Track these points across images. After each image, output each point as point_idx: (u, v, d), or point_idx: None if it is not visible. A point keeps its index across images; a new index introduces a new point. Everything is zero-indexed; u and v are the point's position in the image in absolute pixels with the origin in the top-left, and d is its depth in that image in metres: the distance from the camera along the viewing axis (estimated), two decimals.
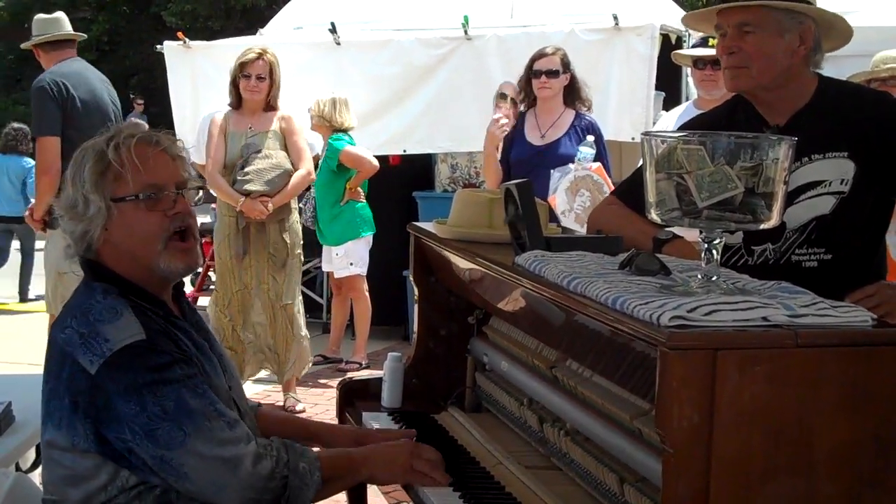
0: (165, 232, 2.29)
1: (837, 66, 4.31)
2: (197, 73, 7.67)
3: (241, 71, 5.78)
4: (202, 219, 5.75)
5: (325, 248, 7.18)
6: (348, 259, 7.01)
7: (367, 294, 7.13)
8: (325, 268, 7.31)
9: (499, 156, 5.50)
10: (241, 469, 2.15)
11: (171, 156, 2.36)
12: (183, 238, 2.32)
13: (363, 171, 6.98)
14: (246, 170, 5.78)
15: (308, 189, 6.87)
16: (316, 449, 2.42)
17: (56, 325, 2.29)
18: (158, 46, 8.12)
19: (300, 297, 6.12)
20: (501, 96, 5.85)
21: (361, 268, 7.07)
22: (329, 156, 6.89)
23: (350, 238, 6.99)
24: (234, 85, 5.85)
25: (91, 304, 2.23)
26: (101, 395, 2.13)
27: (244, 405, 2.47)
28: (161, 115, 13.14)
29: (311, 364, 6.29)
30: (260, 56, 5.78)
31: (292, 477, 2.21)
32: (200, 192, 2.47)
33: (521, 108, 5.60)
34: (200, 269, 6.31)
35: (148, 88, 19.77)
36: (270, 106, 5.88)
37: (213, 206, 6.84)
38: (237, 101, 5.89)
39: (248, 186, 5.76)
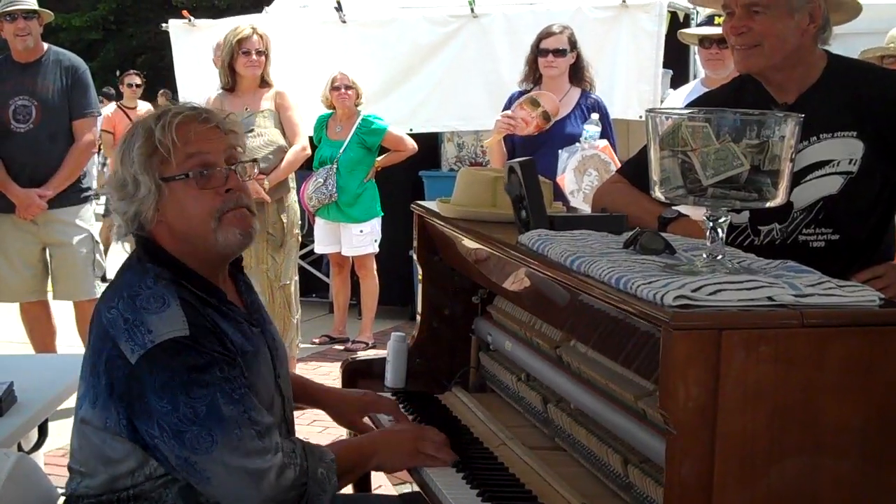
0: (219, 211, 2.23)
1: (848, 43, 4.27)
2: (202, 52, 7.62)
3: (240, 47, 5.72)
4: None
5: (325, 228, 7.09)
6: (373, 236, 7.02)
7: (375, 273, 7.12)
8: (329, 249, 7.22)
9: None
10: (264, 482, 2.11)
11: (224, 131, 2.29)
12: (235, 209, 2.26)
13: (404, 152, 7.00)
14: None
15: (333, 164, 6.84)
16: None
17: (103, 300, 2.24)
18: (164, 25, 8.10)
19: (296, 278, 6.07)
20: (532, 102, 5.18)
21: (377, 246, 7.07)
22: (364, 133, 6.86)
23: (376, 215, 7.02)
24: (230, 66, 5.77)
25: (140, 289, 2.17)
26: (136, 385, 2.09)
27: (288, 391, 2.46)
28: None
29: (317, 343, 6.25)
30: (255, 31, 5.76)
31: (311, 484, 2.18)
32: (255, 167, 2.38)
33: (524, 86, 5.51)
34: None
35: (155, 67, 19.73)
36: (265, 82, 5.83)
37: None
38: (232, 84, 5.82)
39: None
